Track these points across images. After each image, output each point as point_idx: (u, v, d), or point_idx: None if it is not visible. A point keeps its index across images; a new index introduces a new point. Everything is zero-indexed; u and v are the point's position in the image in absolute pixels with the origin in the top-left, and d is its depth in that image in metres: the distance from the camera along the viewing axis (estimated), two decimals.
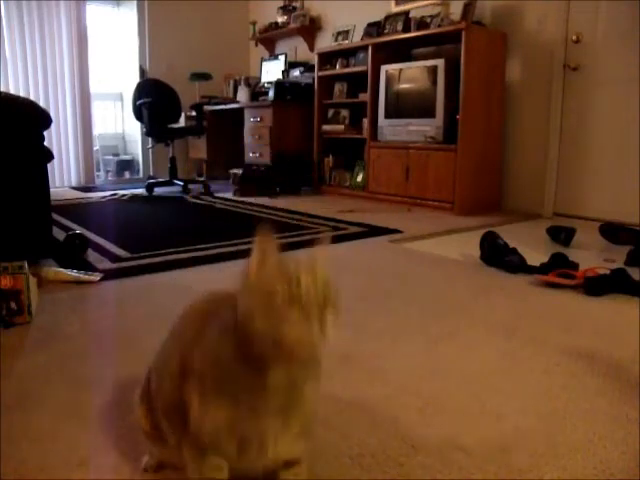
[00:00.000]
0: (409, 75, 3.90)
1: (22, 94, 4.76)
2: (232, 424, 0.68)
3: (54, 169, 5.13)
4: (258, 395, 0.67)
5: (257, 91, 5.49)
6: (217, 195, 4.68)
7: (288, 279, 0.63)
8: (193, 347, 0.73)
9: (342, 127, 4.59)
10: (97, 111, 5.82)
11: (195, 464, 0.73)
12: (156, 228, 3.30)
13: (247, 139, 5.04)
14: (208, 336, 0.71)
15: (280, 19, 5.50)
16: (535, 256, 2.32)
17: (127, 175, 6.10)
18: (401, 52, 4.20)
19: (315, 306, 0.62)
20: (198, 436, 0.71)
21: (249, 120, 5.00)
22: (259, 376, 0.66)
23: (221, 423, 0.68)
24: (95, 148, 5.69)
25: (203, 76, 5.71)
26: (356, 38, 4.63)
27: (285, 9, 5.49)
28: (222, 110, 5.53)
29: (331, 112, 4.77)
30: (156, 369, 0.83)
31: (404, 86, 3.94)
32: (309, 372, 0.70)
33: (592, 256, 2.47)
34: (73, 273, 2.08)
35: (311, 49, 5.31)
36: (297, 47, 5.50)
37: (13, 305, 1.57)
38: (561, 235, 2.77)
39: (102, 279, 2.07)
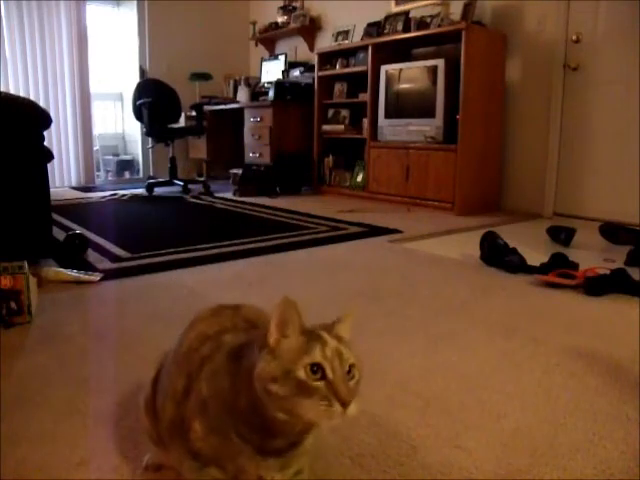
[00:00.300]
0: (409, 75, 3.90)
1: (22, 94, 4.76)
2: (231, 455, 0.67)
3: (54, 169, 5.13)
4: (260, 442, 0.66)
5: (257, 91, 5.49)
6: (217, 195, 4.68)
7: (310, 350, 0.61)
8: (200, 371, 0.71)
9: (342, 127, 4.59)
10: (97, 111, 5.82)
11: (194, 476, 0.72)
12: (156, 228, 3.30)
13: (247, 139, 5.04)
14: (217, 367, 0.69)
15: (280, 19, 5.50)
16: (535, 256, 2.32)
17: (127, 175, 6.10)
18: (401, 52, 4.20)
19: (338, 377, 0.61)
20: (198, 453, 0.70)
21: (249, 120, 5.00)
22: (265, 433, 0.65)
23: (220, 451, 0.68)
24: (95, 148, 5.68)
25: (203, 76, 5.72)
26: (356, 38, 4.63)
27: (285, 9, 5.49)
28: (222, 110, 5.53)
29: (331, 112, 4.77)
30: (162, 387, 0.81)
31: (404, 86, 3.94)
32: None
33: (592, 256, 2.47)
34: (73, 273, 2.08)
35: (311, 49, 5.31)
36: (297, 47, 5.50)
37: (13, 305, 1.57)
38: (561, 235, 2.77)
39: (102, 279, 2.07)
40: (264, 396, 0.62)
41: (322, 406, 0.59)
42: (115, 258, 2.41)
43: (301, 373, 0.60)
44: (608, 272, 1.99)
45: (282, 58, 5.48)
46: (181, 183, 4.84)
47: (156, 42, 5.73)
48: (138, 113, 4.82)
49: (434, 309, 1.76)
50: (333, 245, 2.72)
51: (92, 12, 5.56)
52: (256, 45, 6.01)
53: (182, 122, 5.47)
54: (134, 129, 5.97)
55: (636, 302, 1.84)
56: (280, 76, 5.30)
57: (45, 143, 2.26)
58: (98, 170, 5.86)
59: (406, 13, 4.18)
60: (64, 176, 5.31)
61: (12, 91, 4.77)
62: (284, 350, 0.62)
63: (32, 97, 4.79)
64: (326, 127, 4.72)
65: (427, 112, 3.75)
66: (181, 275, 2.16)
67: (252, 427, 0.65)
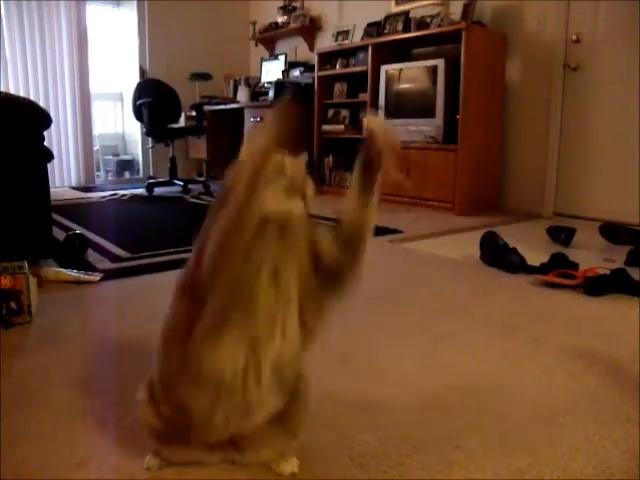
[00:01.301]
0: (409, 75, 3.90)
1: (22, 94, 4.75)
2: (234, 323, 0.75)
3: (54, 169, 5.13)
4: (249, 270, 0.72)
5: (257, 91, 5.49)
6: None
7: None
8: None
9: (342, 127, 4.59)
10: (97, 111, 5.81)
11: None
12: (156, 228, 3.30)
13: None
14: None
15: (280, 19, 5.50)
16: (535, 256, 2.32)
17: (127, 175, 6.10)
18: (401, 52, 4.20)
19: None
20: (199, 372, 0.75)
21: (249, 120, 5.00)
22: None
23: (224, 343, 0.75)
24: (95, 148, 5.68)
25: (203, 76, 5.71)
26: (356, 38, 4.63)
27: (285, 9, 5.48)
28: (222, 110, 5.53)
29: (331, 112, 4.77)
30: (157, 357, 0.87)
31: (404, 86, 3.94)
32: (289, 253, 0.76)
33: (592, 256, 2.47)
34: (73, 273, 2.08)
35: (311, 49, 5.31)
36: (297, 47, 5.50)
37: (13, 305, 1.57)
38: (561, 235, 2.77)
39: (102, 279, 2.07)
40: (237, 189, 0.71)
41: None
42: (115, 258, 2.41)
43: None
44: (608, 272, 1.99)
45: (282, 58, 5.48)
46: (181, 183, 4.84)
47: (156, 42, 5.72)
48: (138, 113, 4.81)
49: (434, 309, 1.76)
50: None
51: (92, 12, 5.56)
52: (256, 45, 6.01)
53: (182, 122, 5.47)
54: (134, 129, 5.96)
55: (636, 302, 1.84)
56: (280, 76, 5.30)
57: (45, 143, 2.27)
58: (98, 170, 5.85)
59: (406, 13, 4.18)
60: (64, 176, 5.30)
61: (12, 91, 4.77)
62: (250, 157, 0.74)
63: (32, 97, 4.79)
64: (326, 127, 4.72)
65: (427, 112, 3.75)
66: None
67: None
